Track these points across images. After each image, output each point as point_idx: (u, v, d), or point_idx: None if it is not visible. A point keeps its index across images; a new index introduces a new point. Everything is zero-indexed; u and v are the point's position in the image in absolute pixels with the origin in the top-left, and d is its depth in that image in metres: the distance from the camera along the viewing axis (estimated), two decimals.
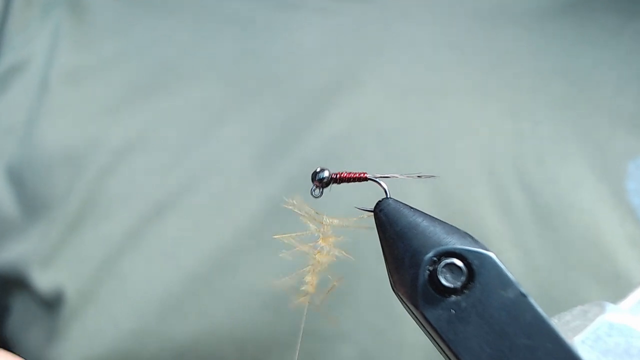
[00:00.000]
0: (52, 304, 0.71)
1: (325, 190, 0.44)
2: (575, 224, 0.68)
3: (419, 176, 0.45)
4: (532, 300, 0.36)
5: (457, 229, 0.38)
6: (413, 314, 0.38)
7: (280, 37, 0.76)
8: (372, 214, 0.40)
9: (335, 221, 0.43)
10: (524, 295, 0.36)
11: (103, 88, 0.76)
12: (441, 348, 0.37)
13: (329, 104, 0.72)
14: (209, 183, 0.71)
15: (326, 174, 0.43)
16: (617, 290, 0.65)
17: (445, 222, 0.38)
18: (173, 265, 0.69)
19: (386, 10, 0.76)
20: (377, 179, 0.42)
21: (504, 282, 0.36)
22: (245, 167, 0.71)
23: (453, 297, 0.36)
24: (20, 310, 0.74)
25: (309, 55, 0.75)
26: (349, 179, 0.43)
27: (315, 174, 0.43)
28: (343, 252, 0.44)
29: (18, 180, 0.74)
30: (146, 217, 0.70)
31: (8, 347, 0.76)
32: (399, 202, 0.39)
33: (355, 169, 0.44)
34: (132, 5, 0.79)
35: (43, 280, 0.71)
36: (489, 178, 0.69)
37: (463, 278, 0.36)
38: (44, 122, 0.74)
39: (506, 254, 0.67)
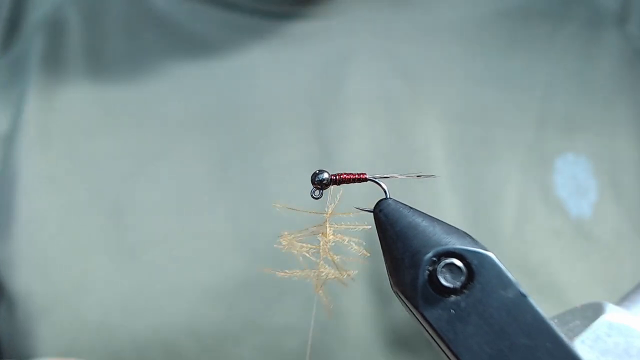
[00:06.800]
0: (21, 303, 0.72)
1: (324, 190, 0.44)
2: (502, 218, 0.71)
3: (418, 176, 0.45)
4: (532, 300, 0.36)
5: (457, 229, 0.38)
6: (413, 314, 0.38)
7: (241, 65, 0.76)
8: (372, 214, 0.40)
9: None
10: (523, 295, 0.36)
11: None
12: (441, 348, 0.37)
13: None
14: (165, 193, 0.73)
15: (325, 175, 0.43)
16: (542, 278, 0.69)
17: (444, 222, 0.38)
18: (134, 264, 0.71)
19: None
20: (376, 180, 0.42)
21: (504, 282, 0.36)
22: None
23: (453, 297, 0.36)
24: None
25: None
26: (348, 180, 0.43)
27: (314, 175, 0.43)
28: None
29: None
30: (108, 218, 0.72)
31: None
32: (399, 202, 0.39)
33: None
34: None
35: (12, 280, 0.72)
36: (428, 181, 0.70)
37: (463, 278, 0.36)
38: None
39: None
